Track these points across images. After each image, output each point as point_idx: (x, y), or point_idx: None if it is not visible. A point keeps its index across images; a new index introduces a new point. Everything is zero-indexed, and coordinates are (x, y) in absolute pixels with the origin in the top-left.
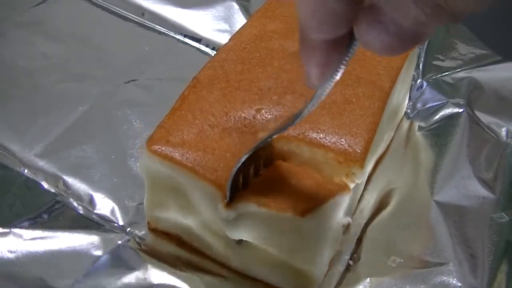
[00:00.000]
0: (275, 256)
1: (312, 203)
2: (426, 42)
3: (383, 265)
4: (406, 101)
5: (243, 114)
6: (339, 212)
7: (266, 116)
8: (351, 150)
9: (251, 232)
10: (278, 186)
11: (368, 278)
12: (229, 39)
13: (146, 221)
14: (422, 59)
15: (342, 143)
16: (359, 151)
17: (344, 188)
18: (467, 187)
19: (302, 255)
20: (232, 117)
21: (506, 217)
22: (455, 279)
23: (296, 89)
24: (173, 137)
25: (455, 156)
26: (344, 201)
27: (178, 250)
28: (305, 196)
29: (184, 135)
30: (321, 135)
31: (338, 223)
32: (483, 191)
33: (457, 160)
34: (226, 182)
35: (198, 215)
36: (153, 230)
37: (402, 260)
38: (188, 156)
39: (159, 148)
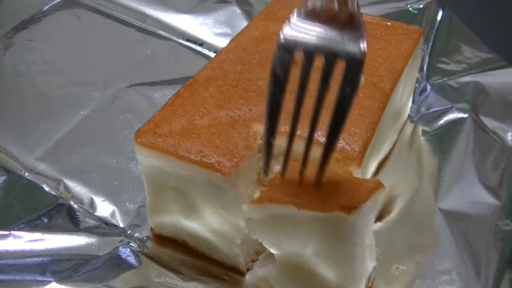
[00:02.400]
0: (308, 273)
1: (355, 201)
2: (430, 44)
3: (386, 273)
4: (410, 104)
5: (238, 108)
6: (374, 214)
7: (263, 111)
8: (349, 149)
9: (283, 237)
10: (309, 187)
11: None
12: (230, 41)
13: (150, 227)
14: (426, 61)
15: (340, 141)
16: (357, 149)
17: (379, 185)
18: (471, 194)
19: (338, 266)
20: (225, 109)
21: (511, 224)
22: None
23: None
24: (161, 129)
25: (459, 162)
26: (379, 200)
27: (181, 254)
28: (345, 195)
29: (172, 126)
30: (319, 133)
31: (371, 229)
32: (488, 198)
33: (462, 166)
34: (213, 161)
35: (202, 215)
36: (157, 236)
37: (405, 268)
38: (173, 143)
39: (145, 139)
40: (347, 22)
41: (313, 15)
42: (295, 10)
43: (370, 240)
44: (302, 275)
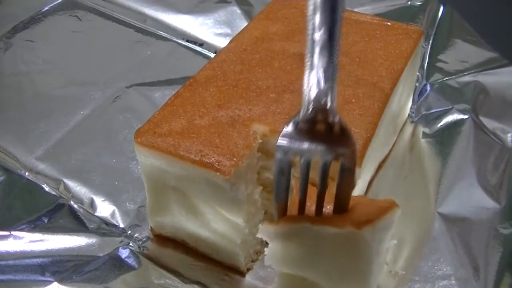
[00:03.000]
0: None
1: (368, 218)
2: (431, 41)
3: (385, 278)
4: (409, 104)
5: (237, 108)
6: (388, 234)
7: (263, 111)
8: None
9: (296, 257)
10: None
11: None
12: (230, 41)
13: (150, 227)
14: (427, 60)
15: None
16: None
17: (393, 205)
18: (471, 197)
19: (351, 284)
20: (225, 109)
21: (511, 227)
22: None
23: (295, 89)
24: (160, 129)
25: (459, 164)
26: (393, 221)
27: (181, 254)
28: (358, 214)
29: (172, 126)
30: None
31: (384, 247)
32: (488, 201)
33: (462, 169)
34: (213, 161)
35: (202, 215)
36: (157, 236)
37: (404, 272)
38: (173, 142)
39: (145, 139)
40: (336, 132)
41: (302, 129)
42: (287, 123)
43: (383, 257)
44: None
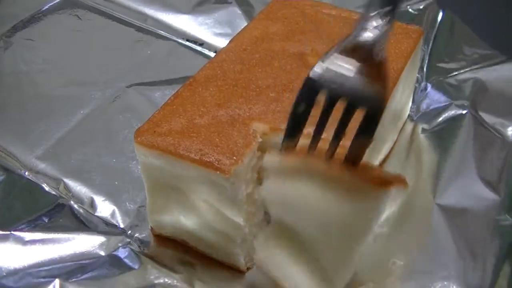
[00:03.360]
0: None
1: (390, 179)
2: (430, 45)
3: (383, 269)
4: (410, 104)
5: (237, 107)
6: (384, 210)
7: (262, 109)
8: None
9: (293, 199)
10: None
11: (370, 283)
12: (230, 41)
13: (150, 227)
14: (426, 61)
15: None
16: None
17: (404, 182)
18: (470, 189)
19: (338, 251)
20: (225, 108)
21: (510, 219)
22: (456, 283)
23: (295, 88)
24: (160, 128)
25: (459, 158)
26: (397, 197)
27: (181, 254)
28: (374, 174)
29: (172, 125)
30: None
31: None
32: (487, 193)
33: (461, 162)
34: (213, 160)
35: (202, 214)
36: (157, 236)
37: (402, 263)
38: (173, 142)
39: (145, 138)
40: (374, 70)
41: (349, 52)
42: (336, 45)
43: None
44: (293, 247)
